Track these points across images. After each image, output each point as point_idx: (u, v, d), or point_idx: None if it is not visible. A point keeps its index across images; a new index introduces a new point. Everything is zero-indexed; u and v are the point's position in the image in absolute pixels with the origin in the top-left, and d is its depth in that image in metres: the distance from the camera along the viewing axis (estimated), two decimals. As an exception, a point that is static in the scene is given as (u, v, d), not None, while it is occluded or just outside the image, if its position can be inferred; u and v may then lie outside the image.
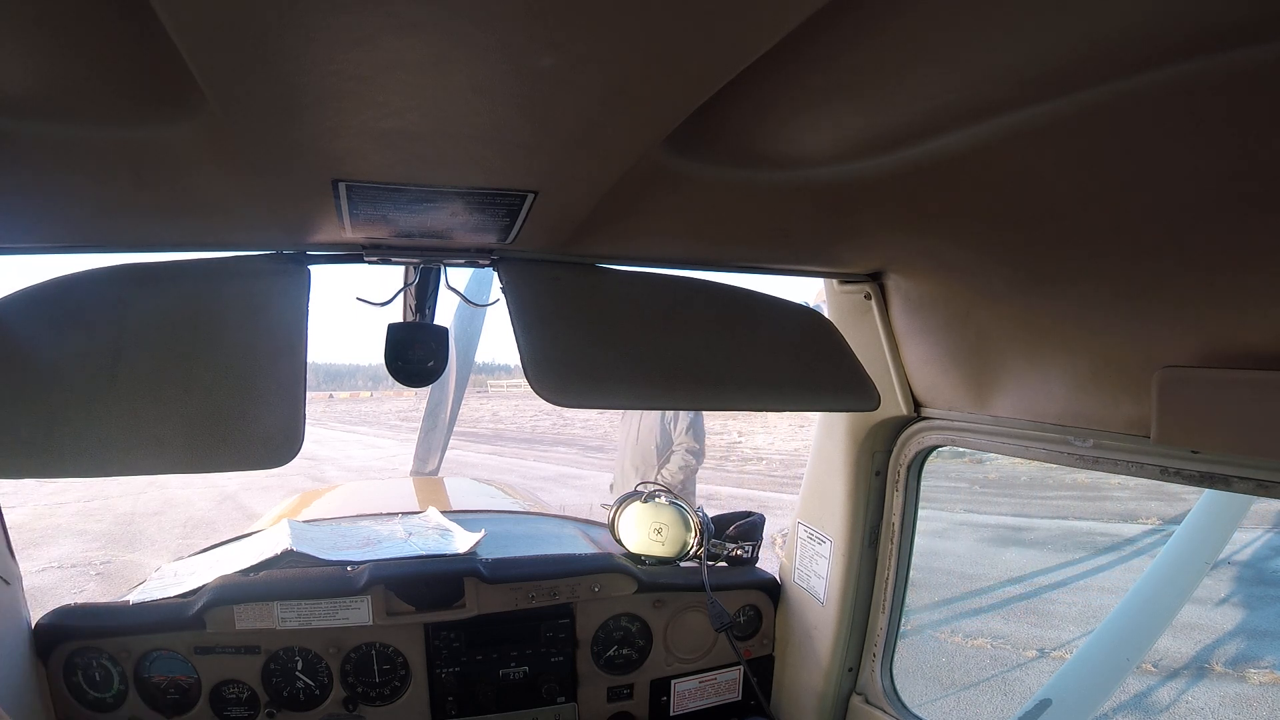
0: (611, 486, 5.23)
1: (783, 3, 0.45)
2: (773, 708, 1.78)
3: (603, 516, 1.88)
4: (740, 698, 1.79)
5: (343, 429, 25.98)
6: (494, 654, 1.59)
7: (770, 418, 18.60)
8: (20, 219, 0.92)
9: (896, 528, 1.50)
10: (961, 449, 1.38)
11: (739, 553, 1.76)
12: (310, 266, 1.06)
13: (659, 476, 4.75)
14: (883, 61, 0.58)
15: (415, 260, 1.10)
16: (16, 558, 1.37)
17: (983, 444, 1.30)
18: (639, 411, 4.95)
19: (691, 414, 4.93)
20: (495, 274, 1.10)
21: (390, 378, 1.17)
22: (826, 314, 1.37)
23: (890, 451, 1.49)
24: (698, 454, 4.90)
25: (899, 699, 1.55)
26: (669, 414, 4.93)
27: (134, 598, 1.53)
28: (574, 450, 18.16)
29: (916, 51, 0.57)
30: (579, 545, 2.18)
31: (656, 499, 1.75)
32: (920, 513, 1.52)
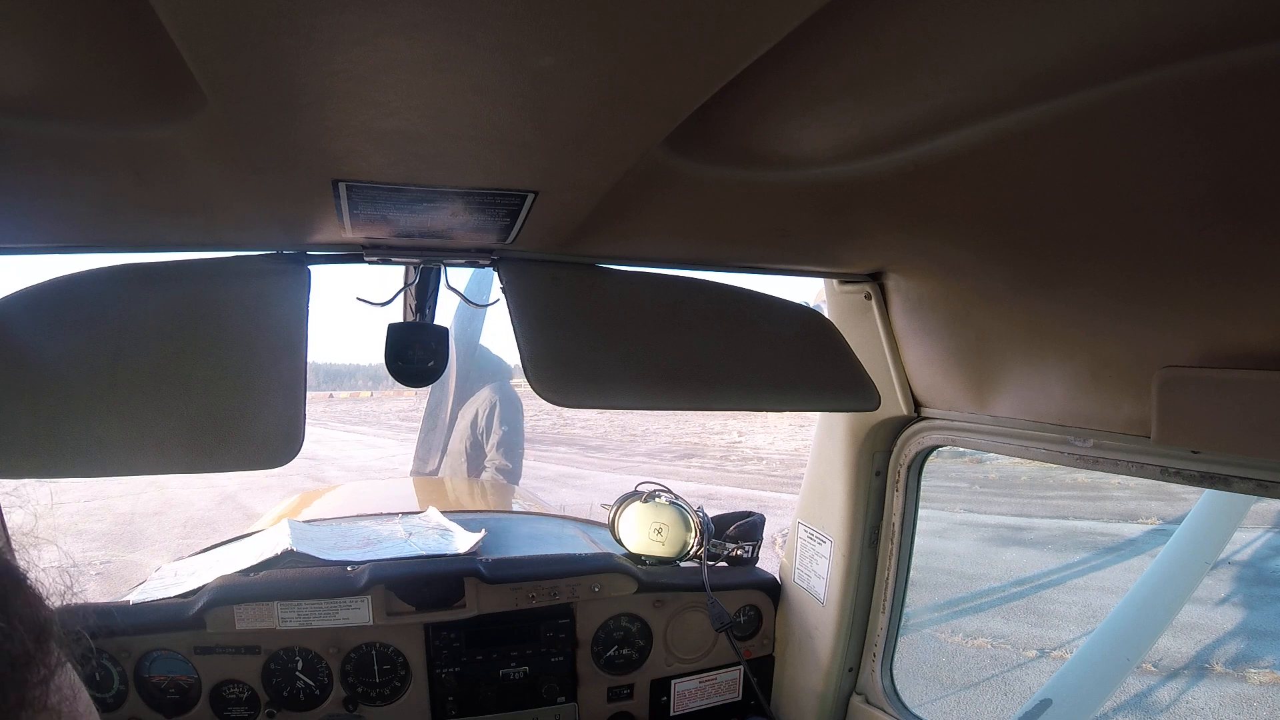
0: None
1: (783, 3, 0.45)
2: (773, 708, 1.78)
3: (603, 516, 1.88)
4: (740, 698, 1.79)
5: (343, 429, 25.96)
6: (494, 654, 1.59)
7: (770, 417, 18.59)
8: (20, 219, 0.92)
9: (897, 528, 1.50)
10: (961, 449, 1.38)
11: (739, 553, 1.76)
12: (310, 266, 1.06)
13: None
14: (883, 61, 0.58)
15: (415, 260, 1.10)
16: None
17: (983, 444, 1.30)
18: (458, 415, 4.50)
19: (506, 428, 4.41)
20: (495, 274, 1.10)
21: (390, 378, 1.17)
22: (826, 314, 1.37)
23: (890, 451, 1.49)
24: (510, 474, 4.35)
25: (899, 699, 1.55)
26: (481, 423, 4.43)
27: (134, 598, 1.53)
28: (574, 450, 18.16)
29: (917, 52, 0.56)
30: (579, 545, 2.18)
31: (656, 499, 1.75)
32: (920, 512, 1.52)
